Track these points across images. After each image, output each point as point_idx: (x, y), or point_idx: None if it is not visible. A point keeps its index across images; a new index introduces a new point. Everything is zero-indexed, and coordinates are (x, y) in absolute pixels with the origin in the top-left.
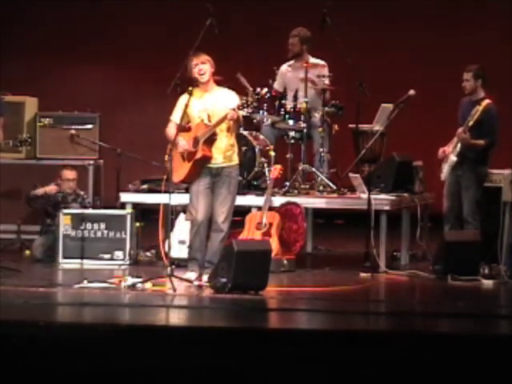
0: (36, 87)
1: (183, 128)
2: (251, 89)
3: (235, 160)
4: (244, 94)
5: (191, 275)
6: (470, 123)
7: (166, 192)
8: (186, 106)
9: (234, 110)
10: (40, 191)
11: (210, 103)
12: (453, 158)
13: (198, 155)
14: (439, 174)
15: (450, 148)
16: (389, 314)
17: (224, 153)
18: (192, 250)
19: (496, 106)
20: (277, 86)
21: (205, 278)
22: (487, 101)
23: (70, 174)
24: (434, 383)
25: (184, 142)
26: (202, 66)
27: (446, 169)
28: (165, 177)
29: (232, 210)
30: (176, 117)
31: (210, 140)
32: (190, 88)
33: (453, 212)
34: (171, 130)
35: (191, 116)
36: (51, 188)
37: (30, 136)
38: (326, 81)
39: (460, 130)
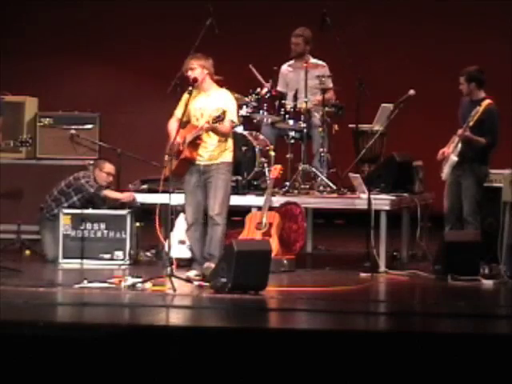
0: (36, 87)
1: (183, 125)
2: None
3: (225, 158)
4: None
5: (190, 273)
6: (471, 123)
7: (165, 192)
8: (186, 105)
9: (207, 122)
10: (113, 195)
11: (204, 103)
12: (453, 158)
13: (182, 156)
14: (439, 174)
15: (449, 149)
16: (389, 314)
17: (212, 152)
18: (191, 250)
19: (496, 107)
20: (279, 86)
21: (205, 265)
22: (488, 101)
23: (112, 169)
24: (434, 383)
25: (177, 141)
26: (190, 73)
27: (446, 169)
28: (162, 176)
29: (226, 203)
30: (178, 112)
31: (195, 143)
32: (190, 88)
33: (453, 212)
34: (172, 124)
35: (190, 114)
36: (128, 195)
37: (31, 136)
38: (330, 82)
39: (460, 131)
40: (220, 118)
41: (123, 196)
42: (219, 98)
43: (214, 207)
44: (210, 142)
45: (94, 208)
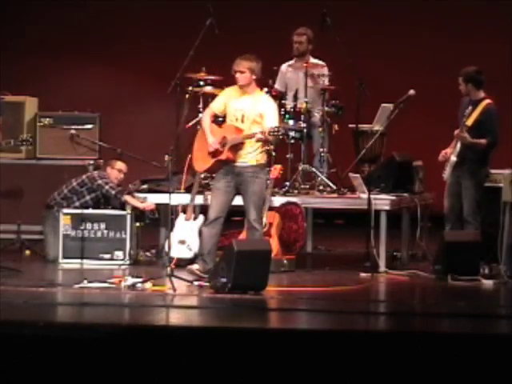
0: (36, 87)
1: (217, 122)
2: None
3: (260, 160)
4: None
5: (193, 267)
6: (467, 122)
7: (167, 192)
8: (185, 104)
9: (263, 133)
10: (134, 203)
11: (247, 105)
12: (453, 158)
13: (223, 157)
14: (439, 174)
15: (450, 150)
16: (389, 314)
17: (247, 153)
18: (200, 245)
19: (496, 107)
20: (278, 86)
21: None
22: (487, 101)
23: (123, 166)
24: (434, 383)
25: (213, 140)
26: (239, 76)
27: (448, 169)
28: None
29: (261, 207)
30: (215, 105)
31: (237, 146)
32: (190, 88)
33: (453, 212)
34: (205, 116)
35: (228, 112)
36: (148, 205)
37: (32, 136)
38: (326, 80)
39: (457, 130)
40: (276, 132)
41: (143, 206)
42: (262, 104)
43: (252, 213)
44: (251, 144)
45: (105, 205)
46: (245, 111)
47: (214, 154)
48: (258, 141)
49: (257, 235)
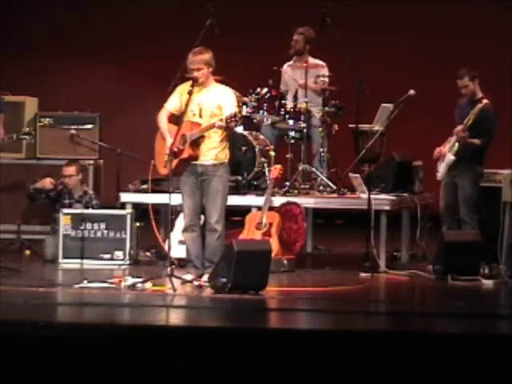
0: (36, 87)
1: (175, 121)
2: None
3: (223, 158)
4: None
5: (187, 277)
6: (470, 122)
7: (167, 192)
8: (187, 105)
9: (222, 120)
10: (37, 185)
11: (205, 99)
12: (450, 157)
13: (185, 155)
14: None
15: (446, 147)
16: (389, 314)
17: (209, 151)
18: (187, 252)
19: (493, 106)
20: (282, 85)
21: (205, 277)
22: (485, 101)
23: (65, 171)
24: (434, 383)
25: (171, 141)
26: (197, 73)
27: (442, 168)
28: (149, 176)
29: (223, 207)
30: (170, 105)
31: (197, 141)
32: (190, 88)
33: (449, 212)
34: (162, 117)
35: (185, 109)
36: (44, 181)
37: (34, 129)
38: (326, 80)
39: (459, 128)
40: (235, 118)
41: (42, 182)
42: (220, 96)
43: (212, 214)
44: (214, 138)
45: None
46: (202, 105)
47: (176, 154)
48: (218, 128)
49: (216, 236)
